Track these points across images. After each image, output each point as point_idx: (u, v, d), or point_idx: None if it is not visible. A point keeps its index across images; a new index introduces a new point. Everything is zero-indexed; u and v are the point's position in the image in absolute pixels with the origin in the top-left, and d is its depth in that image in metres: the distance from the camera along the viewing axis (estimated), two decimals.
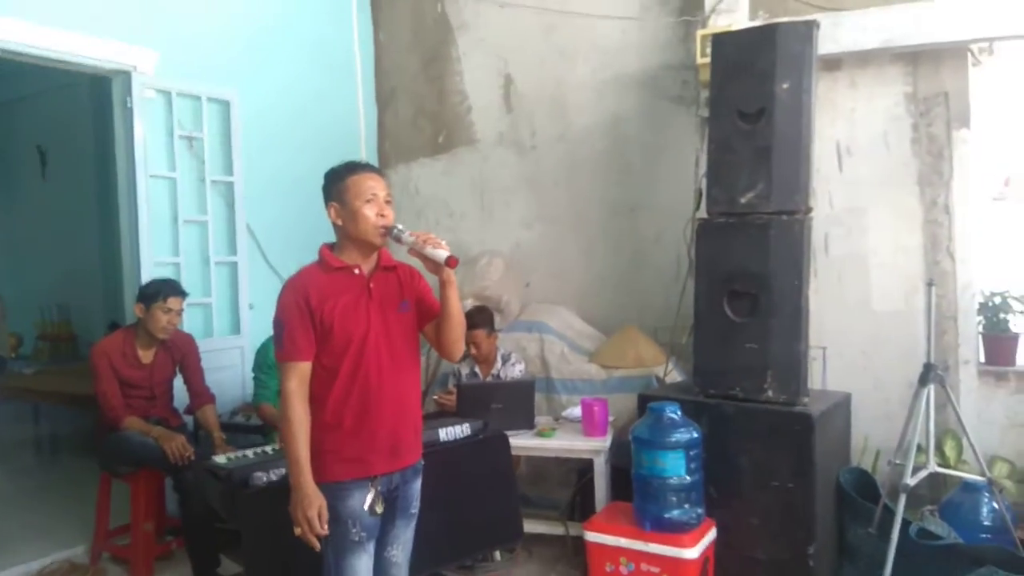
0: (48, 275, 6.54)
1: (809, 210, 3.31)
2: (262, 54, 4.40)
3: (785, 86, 3.22)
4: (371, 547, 2.21)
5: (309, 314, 2.14)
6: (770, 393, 3.23)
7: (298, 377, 2.14)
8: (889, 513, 2.95)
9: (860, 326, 3.89)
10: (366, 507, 2.15)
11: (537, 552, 3.67)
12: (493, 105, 4.89)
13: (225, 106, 4.15)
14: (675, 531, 2.98)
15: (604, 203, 4.57)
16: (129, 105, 3.73)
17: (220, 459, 2.87)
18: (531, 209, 4.79)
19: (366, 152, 5.12)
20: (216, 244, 4.13)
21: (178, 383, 3.60)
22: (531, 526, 3.67)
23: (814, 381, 3.87)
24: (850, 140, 3.92)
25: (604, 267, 4.57)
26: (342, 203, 2.21)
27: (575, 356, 4.15)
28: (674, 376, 3.94)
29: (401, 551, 2.33)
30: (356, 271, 2.23)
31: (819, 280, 3.96)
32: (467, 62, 4.97)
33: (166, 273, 3.80)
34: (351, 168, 2.27)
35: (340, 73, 5.00)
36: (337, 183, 2.24)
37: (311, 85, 4.71)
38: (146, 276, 3.74)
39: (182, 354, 3.53)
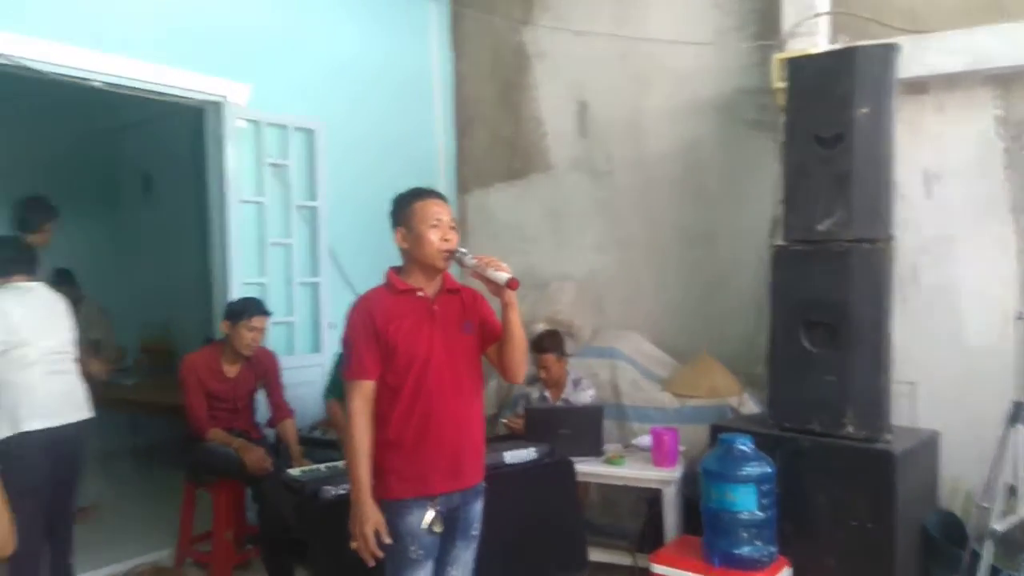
0: (151, 292, 6.93)
1: (891, 238, 3.20)
2: (346, 85, 4.58)
3: (864, 111, 3.14)
4: (429, 565, 2.23)
5: (375, 334, 2.21)
6: (850, 429, 3.11)
7: (362, 396, 2.21)
8: (977, 559, 2.79)
9: (951, 360, 3.69)
10: (424, 526, 2.19)
11: None
12: (568, 131, 4.93)
13: (310, 135, 4.34)
14: (745, 568, 2.89)
15: (679, 229, 4.52)
16: (221, 134, 3.95)
17: (295, 472, 2.98)
18: (605, 234, 4.78)
19: (445, 178, 5.24)
20: (299, 265, 4.30)
21: (260, 397, 3.76)
22: (599, 555, 3.63)
23: (901, 417, 3.70)
24: (938, 166, 3.75)
25: (679, 293, 4.51)
26: (408, 228, 2.28)
27: (647, 383, 4.10)
28: (750, 407, 3.84)
29: (461, 572, 2.34)
30: (420, 293, 2.28)
31: (907, 311, 3.79)
32: (542, 89, 5.03)
33: (253, 293, 3.99)
34: (417, 194, 2.34)
35: (420, 102, 5.14)
36: (404, 208, 2.31)
37: (392, 114, 4.86)
38: (235, 295, 3.93)
39: (264, 369, 3.69)
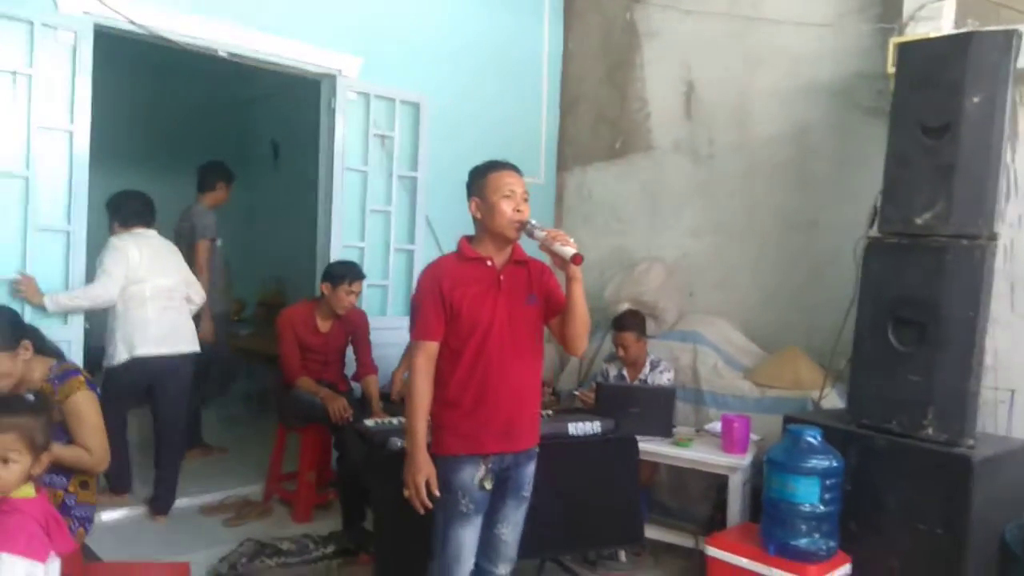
0: (271, 251, 7.45)
1: (994, 236, 3.02)
2: (453, 60, 4.73)
3: (976, 100, 2.96)
4: (478, 520, 2.36)
5: (441, 299, 2.34)
6: (930, 431, 2.99)
7: (426, 355, 2.35)
8: None
9: None
10: (476, 482, 2.31)
11: (665, 560, 3.65)
12: (672, 112, 4.88)
13: (415, 108, 4.53)
14: (801, 559, 2.86)
15: (780, 216, 4.40)
16: (333, 106, 4.20)
17: (369, 422, 3.20)
18: (702, 218, 4.72)
19: (545, 154, 5.32)
20: (397, 233, 4.52)
21: (351, 353, 4.02)
22: (663, 534, 3.68)
23: (997, 426, 3.52)
24: None
25: (774, 282, 4.40)
26: (482, 198, 2.38)
27: (729, 371, 4.05)
28: (834, 402, 3.73)
29: (511, 530, 2.46)
30: (489, 263, 2.39)
31: (1015, 314, 3.58)
32: (650, 69, 5.00)
33: (353, 256, 4.25)
34: (493, 166, 2.44)
35: (527, 79, 5.23)
36: (479, 179, 2.42)
37: (498, 89, 4.98)
38: (336, 257, 4.20)
39: (354, 327, 3.94)
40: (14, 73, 3.21)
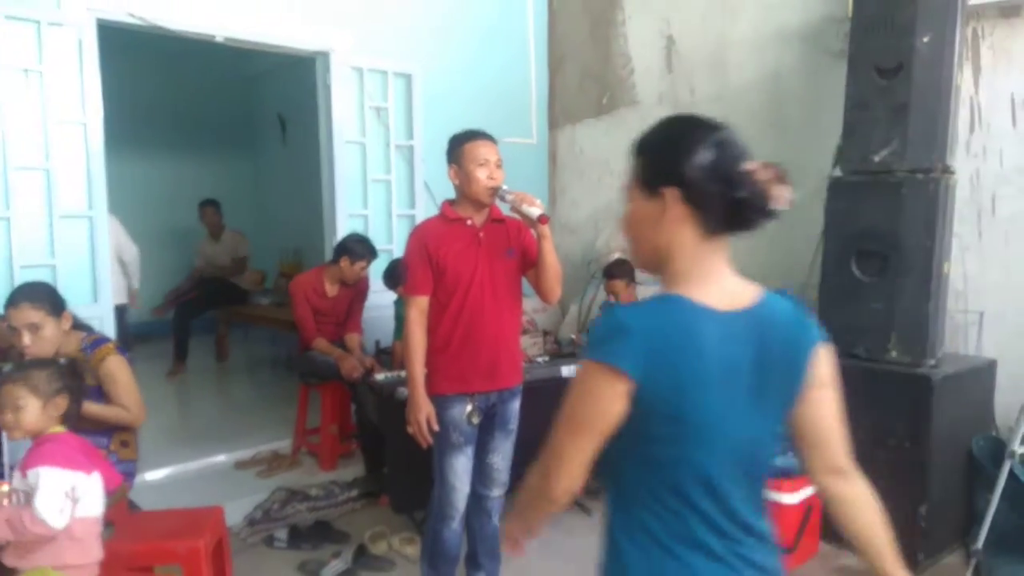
0: (285, 223, 7.74)
1: (948, 169, 3.20)
2: (442, 30, 4.90)
3: (925, 40, 3.13)
4: (469, 450, 2.66)
5: (428, 257, 2.60)
6: (894, 354, 3.22)
7: (417, 308, 2.62)
8: (1013, 480, 2.88)
9: (1022, 291, 3.64)
10: (464, 417, 2.60)
11: None
12: (654, 66, 5.03)
13: (408, 79, 4.73)
14: (776, 477, 3.12)
15: (757, 160, 4.57)
16: (328, 82, 4.42)
17: (380, 376, 3.49)
18: None
19: (536, 115, 5.50)
20: (398, 200, 4.76)
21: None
22: None
23: (968, 346, 3.73)
24: None
25: None
26: (460, 166, 2.62)
27: None
28: None
29: (501, 459, 2.76)
30: (469, 223, 2.64)
31: (982, 241, 3.76)
32: (631, 24, 5.14)
33: (357, 225, 4.52)
34: (469, 136, 2.66)
35: (514, 41, 5.38)
36: (456, 148, 2.65)
37: (486, 54, 5.15)
38: (341, 227, 4.47)
39: (358, 291, 4.24)
40: (26, 71, 3.43)
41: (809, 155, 4.32)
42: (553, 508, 1.21)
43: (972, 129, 3.76)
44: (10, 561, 2.07)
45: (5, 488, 2.09)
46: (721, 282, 1.23)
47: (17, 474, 2.09)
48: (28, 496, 2.02)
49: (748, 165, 1.19)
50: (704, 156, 1.17)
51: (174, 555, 2.42)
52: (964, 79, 3.64)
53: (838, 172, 3.48)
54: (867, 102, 3.30)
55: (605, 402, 1.12)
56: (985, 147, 3.75)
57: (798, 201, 4.30)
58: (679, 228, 1.21)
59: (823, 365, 1.27)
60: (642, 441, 1.15)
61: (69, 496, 2.04)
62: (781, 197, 1.19)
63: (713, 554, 1.17)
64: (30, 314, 2.52)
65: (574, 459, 1.16)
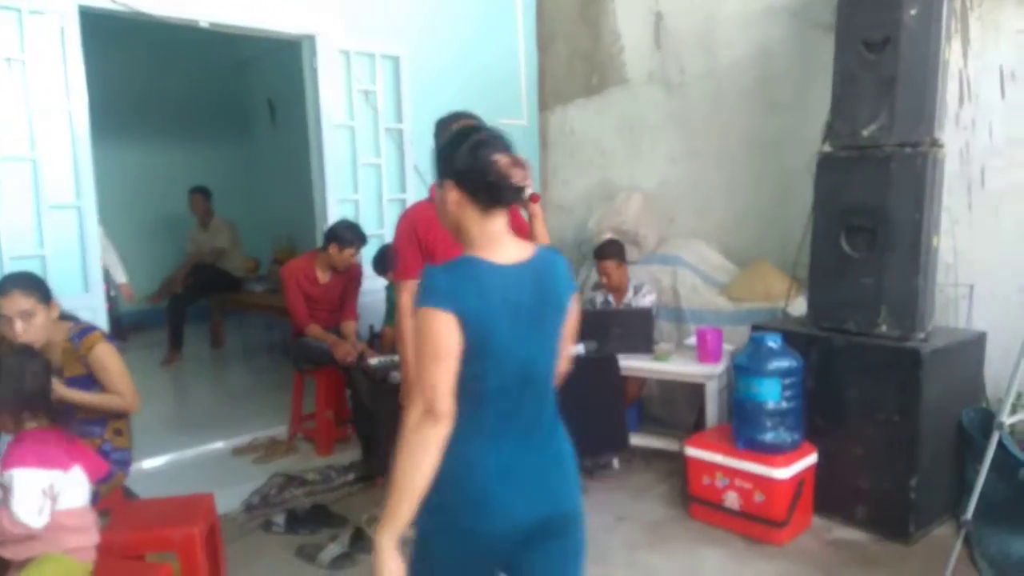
0: (277, 209, 7.70)
1: (936, 142, 3.20)
2: (429, 11, 4.86)
3: (913, 12, 3.11)
4: None
5: (417, 241, 2.60)
6: (884, 328, 3.24)
7: (409, 293, 2.61)
8: (1002, 451, 2.91)
9: (1017, 264, 3.65)
10: None
11: (655, 465, 3.97)
12: (643, 44, 5.01)
13: (395, 61, 4.70)
14: (767, 452, 3.16)
15: (749, 137, 4.57)
16: (315, 65, 4.39)
17: (373, 361, 3.50)
18: (677, 145, 4.90)
19: (527, 96, 5.48)
20: (389, 184, 4.75)
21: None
22: (652, 442, 4.00)
23: (958, 319, 3.75)
24: (1016, 64, 3.62)
25: (747, 202, 4.61)
26: None
27: (706, 288, 4.30)
28: (803, 309, 3.98)
29: None
30: None
31: (972, 214, 3.77)
32: (620, 1, 5.11)
33: (347, 209, 4.51)
34: (455, 117, 2.65)
35: (502, 21, 5.35)
36: (443, 131, 2.64)
37: (475, 34, 5.12)
38: (332, 212, 4.46)
39: (350, 277, 4.23)
40: (9, 60, 3.39)
41: (799, 130, 4.32)
42: (442, 429, 1.49)
43: (961, 102, 3.76)
44: (10, 554, 2.07)
45: None
46: (502, 243, 1.63)
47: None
48: (7, 491, 2.04)
49: (495, 157, 1.57)
50: (464, 153, 1.59)
51: (169, 542, 2.43)
52: (953, 52, 3.63)
53: (827, 147, 3.47)
54: (855, 76, 3.29)
55: (446, 332, 1.49)
56: (974, 120, 3.75)
57: (791, 177, 4.34)
58: (462, 208, 1.62)
59: (574, 305, 1.77)
60: (463, 365, 1.52)
61: (47, 494, 2.05)
62: (517, 176, 1.60)
63: (515, 438, 1.61)
64: (21, 301, 2.52)
65: (444, 381, 1.48)
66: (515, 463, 1.60)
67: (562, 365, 1.78)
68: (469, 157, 1.59)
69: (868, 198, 3.25)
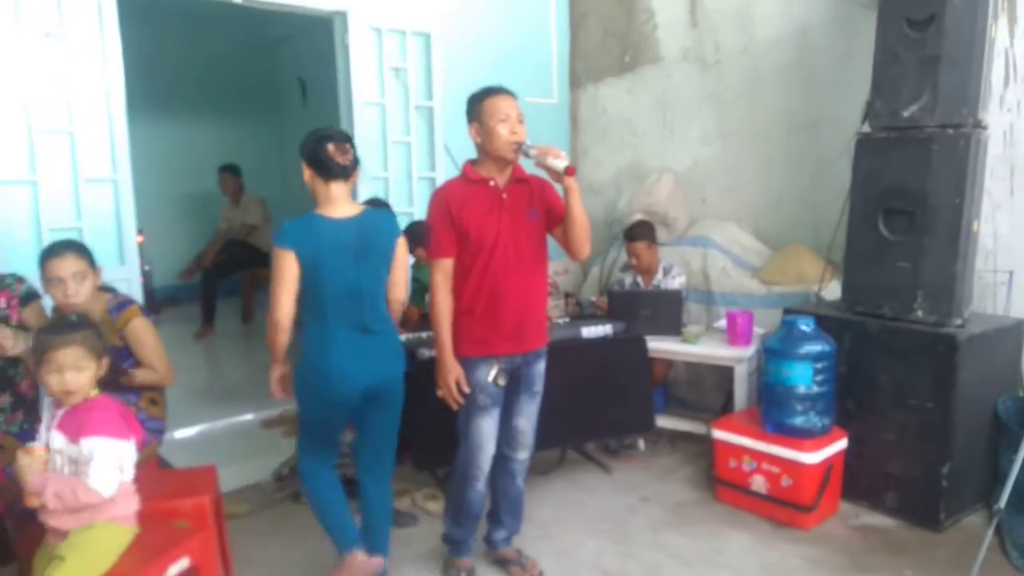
0: (304, 187, 7.73)
1: (980, 124, 3.11)
2: None
3: None
4: (496, 412, 2.67)
5: (450, 220, 2.58)
6: (919, 313, 3.18)
7: (442, 272, 2.62)
8: None
9: None
10: (490, 379, 2.61)
11: (681, 447, 3.96)
12: (678, 21, 4.92)
13: (426, 38, 4.68)
14: (797, 436, 3.13)
15: (786, 117, 4.49)
16: (346, 42, 4.38)
17: (401, 337, 3.51)
18: (711, 125, 4.83)
19: (557, 74, 5.43)
20: (419, 161, 4.74)
21: None
22: (678, 424, 3.98)
23: (996, 306, 3.67)
24: None
25: (782, 183, 4.53)
26: (480, 123, 2.57)
27: (737, 271, 4.25)
28: (837, 293, 3.92)
29: (526, 421, 2.77)
30: (492, 183, 2.60)
31: (1015, 200, 3.67)
32: None
33: (377, 188, 4.51)
34: (489, 92, 2.61)
35: None
36: (476, 105, 2.60)
37: (506, 12, 5.07)
38: (361, 190, 4.44)
39: None
40: (47, 34, 3.43)
41: (838, 110, 4.23)
42: (283, 333, 2.45)
43: (1007, 83, 3.65)
44: (58, 523, 2.08)
45: (42, 453, 2.09)
46: (338, 204, 2.49)
47: (57, 435, 2.11)
48: (74, 461, 2.06)
49: (327, 145, 2.44)
50: (310, 143, 2.48)
51: (181, 512, 2.46)
52: (999, 30, 3.51)
53: (866, 128, 3.39)
54: (897, 55, 3.21)
55: (287, 264, 2.39)
56: (1020, 101, 3.64)
57: (828, 158, 4.26)
58: (313, 180, 2.50)
59: (399, 248, 2.60)
60: (307, 285, 2.42)
61: (119, 466, 2.09)
62: (340, 158, 2.45)
63: (348, 332, 2.48)
64: (74, 263, 2.58)
65: (286, 300, 2.40)
66: (349, 348, 2.46)
67: (397, 292, 2.64)
68: (313, 146, 2.46)
69: (908, 180, 3.18)
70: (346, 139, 2.51)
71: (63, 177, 3.51)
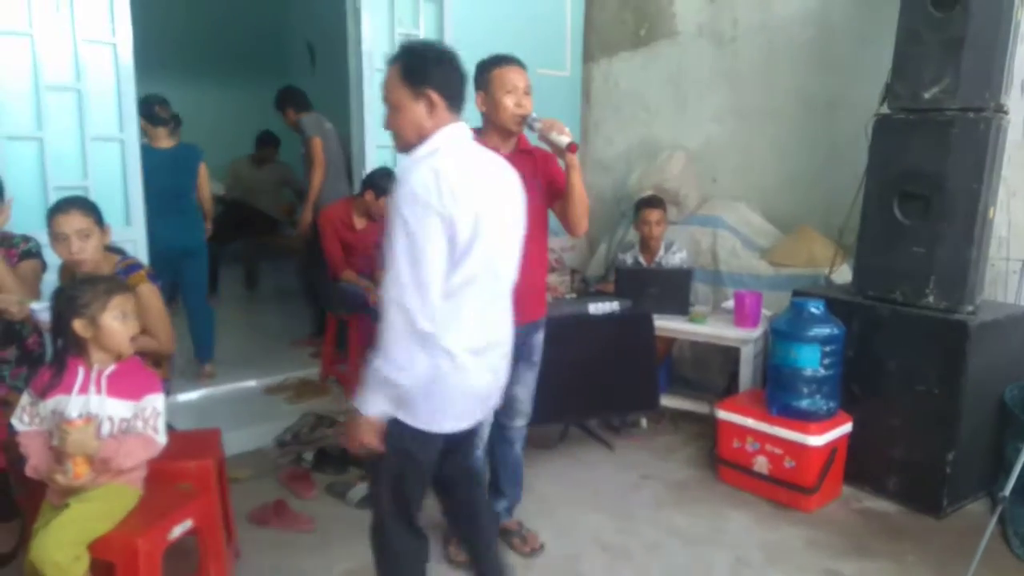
0: None
1: (1001, 108, 3.06)
2: None
3: None
4: None
5: None
6: (931, 299, 3.15)
7: None
8: None
9: None
10: None
11: (684, 427, 3.96)
12: None
13: (439, 4, 4.60)
14: (801, 419, 3.12)
15: (801, 97, 4.42)
16: (357, 6, 4.31)
17: None
18: (725, 103, 4.76)
19: (571, 46, 5.34)
20: None
21: None
22: (681, 403, 3.97)
23: (1007, 295, 3.64)
24: None
25: (795, 164, 4.48)
26: (487, 92, 2.52)
27: (746, 252, 4.22)
28: (847, 277, 3.89)
29: (524, 390, 2.76)
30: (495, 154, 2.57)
31: None
32: None
33: (385, 155, 4.47)
34: (497, 61, 2.55)
35: None
36: (484, 74, 2.55)
37: None
38: (370, 158, 4.42)
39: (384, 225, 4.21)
40: None
41: (853, 91, 4.17)
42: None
43: None
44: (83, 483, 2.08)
45: (88, 424, 2.06)
46: (161, 140, 4.05)
47: (110, 401, 2.13)
48: (125, 420, 2.13)
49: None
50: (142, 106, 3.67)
51: (186, 474, 2.46)
52: None
53: (885, 109, 3.34)
54: (920, 36, 3.14)
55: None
56: None
57: (843, 140, 4.23)
58: (145, 126, 3.76)
59: (201, 169, 4.27)
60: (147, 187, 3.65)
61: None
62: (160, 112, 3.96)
63: (166, 218, 3.82)
64: (79, 220, 2.55)
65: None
66: (165, 224, 3.79)
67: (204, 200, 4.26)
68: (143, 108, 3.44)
69: (925, 164, 3.13)
70: (161, 100, 4.04)
71: (70, 134, 3.47)
